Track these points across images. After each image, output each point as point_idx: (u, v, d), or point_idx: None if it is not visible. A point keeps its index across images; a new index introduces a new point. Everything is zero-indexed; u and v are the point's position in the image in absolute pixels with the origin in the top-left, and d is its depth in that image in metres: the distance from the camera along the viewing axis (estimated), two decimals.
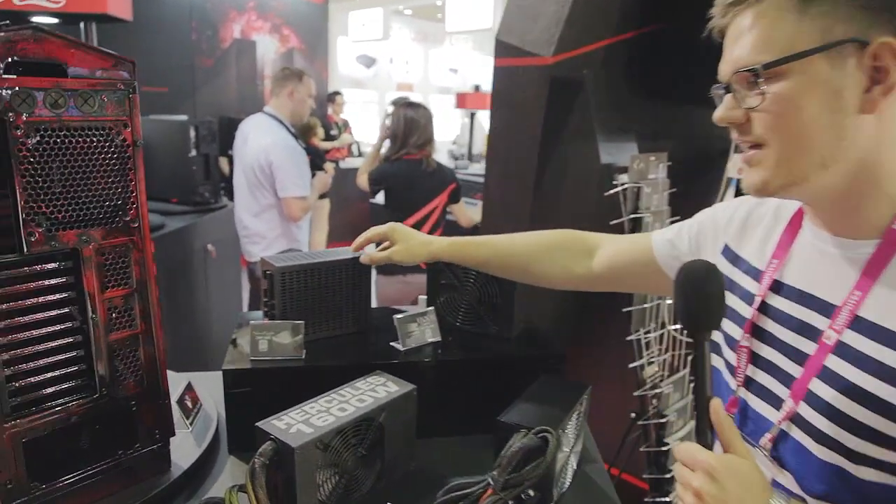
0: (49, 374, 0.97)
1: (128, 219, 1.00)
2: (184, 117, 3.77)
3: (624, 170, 2.04)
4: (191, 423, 1.30)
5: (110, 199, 0.98)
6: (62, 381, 0.99)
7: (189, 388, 1.36)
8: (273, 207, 3.24)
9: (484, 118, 11.66)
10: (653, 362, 2.13)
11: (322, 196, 4.65)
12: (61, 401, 0.99)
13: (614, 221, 1.99)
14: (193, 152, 3.54)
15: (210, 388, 1.48)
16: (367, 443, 1.14)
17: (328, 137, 7.46)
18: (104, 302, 1.00)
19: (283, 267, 1.34)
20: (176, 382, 1.32)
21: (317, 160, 5.85)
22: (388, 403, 1.16)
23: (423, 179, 3.10)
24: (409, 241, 1.35)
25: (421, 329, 1.43)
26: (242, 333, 1.44)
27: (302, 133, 6.06)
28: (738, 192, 2.84)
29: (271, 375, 1.28)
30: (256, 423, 1.05)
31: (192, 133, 3.55)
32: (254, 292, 3.60)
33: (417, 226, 3.11)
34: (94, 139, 0.94)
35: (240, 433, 1.29)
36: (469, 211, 3.51)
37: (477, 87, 8.64)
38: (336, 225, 6.80)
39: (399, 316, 1.40)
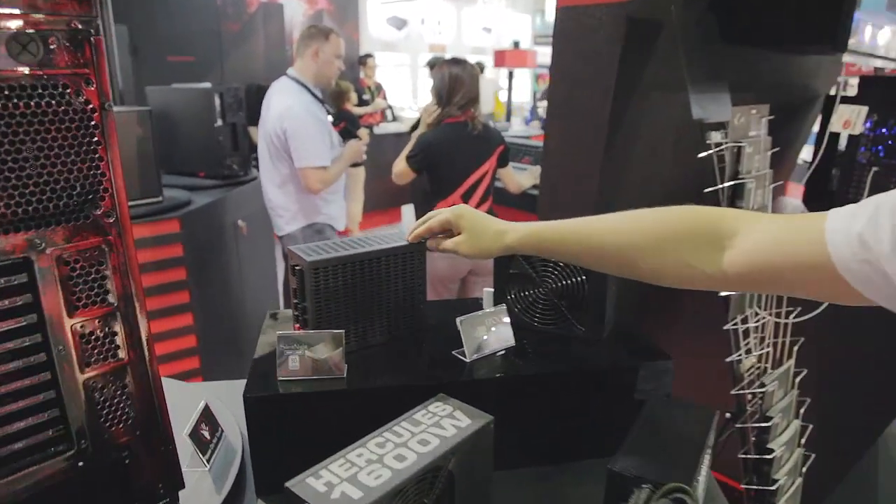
0: (8, 428, 0.71)
1: (99, 212, 0.72)
2: (207, 85, 3.51)
3: (716, 127, 1.69)
4: (209, 460, 1.04)
5: (71, 187, 0.70)
6: (26, 436, 0.73)
7: (205, 414, 1.10)
8: (294, 178, 2.97)
9: (523, 77, 11.16)
10: (751, 353, 1.81)
11: (356, 164, 4.36)
12: (28, 460, 0.73)
13: (709, 189, 1.65)
14: (219, 122, 3.27)
15: (237, 399, 1.23)
16: (434, 498, 0.86)
17: (361, 102, 7.14)
18: (74, 328, 0.73)
19: (317, 261, 1.06)
20: (185, 402, 1.06)
21: (350, 126, 5.55)
22: (459, 445, 0.88)
23: (469, 144, 2.77)
24: (480, 231, 1.03)
25: (491, 333, 1.14)
26: (270, 332, 1.17)
27: (334, 98, 5.76)
28: (817, 149, 2.45)
29: (305, 402, 1.01)
30: (286, 484, 0.77)
31: (217, 101, 3.28)
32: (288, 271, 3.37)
33: (466, 196, 2.80)
34: (42, 102, 0.66)
35: (269, 471, 1.03)
36: (518, 176, 3.19)
37: (516, 44, 8.17)
38: (372, 194, 6.53)
39: (463, 318, 1.11)
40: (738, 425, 1.81)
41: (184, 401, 1.26)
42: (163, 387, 0.82)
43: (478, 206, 2.83)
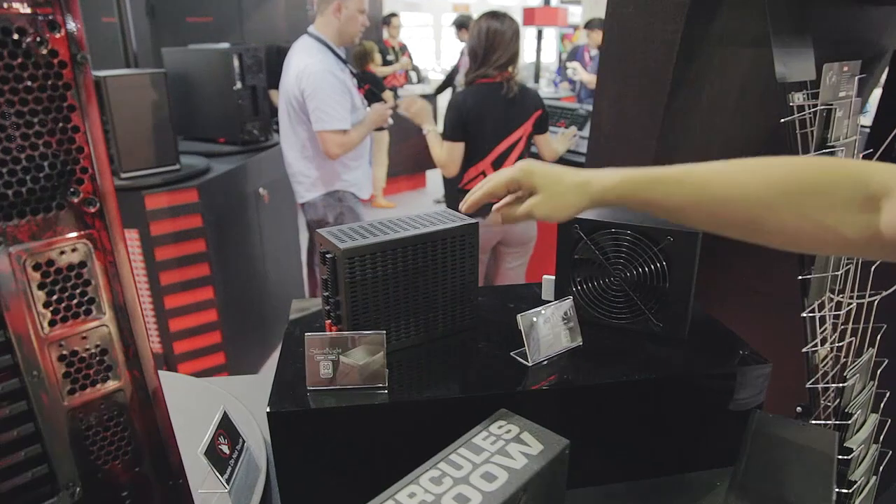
0: None
1: (77, 199, 0.56)
2: (226, 45, 3.31)
3: (798, 87, 1.47)
4: (228, 480, 0.89)
5: (37, 167, 0.53)
6: (4, 478, 0.58)
7: (224, 424, 0.95)
8: (313, 142, 2.79)
9: (548, 37, 10.75)
10: (826, 343, 1.61)
11: (380, 128, 4.16)
12: None
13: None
14: (238, 84, 3.09)
15: (262, 397, 1.09)
16: None
17: (385, 63, 6.89)
18: (51, 348, 0.57)
19: (352, 248, 0.89)
20: (202, 404, 0.91)
21: (375, 89, 5.32)
22: (532, 480, 0.71)
23: (504, 107, 2.55)
24: (558, 186, 0.82)
25: (555, 331, 0.97)
26: (296, 326, 1.01)
27: (357, 59, 5.53)
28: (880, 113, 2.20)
29: (340, 418, 0.85)
30: None
31: (236, 63, 3.09)
32: (312, 241, 3.21)
33: (497, 164, 2.59)
34: None
35: (298, 495, 0.88)
36: (553, 142, 2.96)
37: (547, 1, 7.79)
38: (396, 158, 6.33)
39: (524, 314, 0.94)
40: (812, 422, 1.63)
41: (200, 403, 1.12)
42: (168, 414, 0.66)
43: None
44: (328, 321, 0.96)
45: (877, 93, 2.05)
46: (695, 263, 0.98)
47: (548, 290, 1.12)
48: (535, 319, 0.94)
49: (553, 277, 1.10)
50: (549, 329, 0.96)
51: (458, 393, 0.88)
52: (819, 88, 1.52)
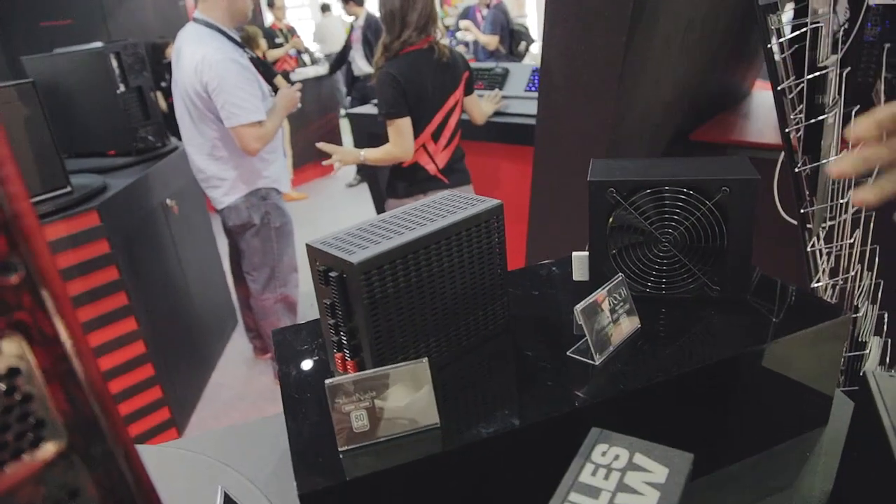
0: None
1: None
2: (98, 44, 2.89)
3: (773, 8, 1.35)
4: None
5: None
6: None
7: None
8: (225, 141, 2.48)
9: None
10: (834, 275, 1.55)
11: None
12: None
13: (782, 86, 1.33)
14: (122, 87, 2.71)
15: (248, 451, 0.87)
16: None
17: (274, 47, 6.46)
18: None
19: (368, 260, 0.67)
20: (177, 478, 0.69)
21: (265, 75, 4.93)
22: None
23: (439, 73, 2.33)
24: None
25: (614, 317, 0.80)
26: (290, 366, 0.79)
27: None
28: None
29: (389, 481, 0.64)
30: None
31: (115, 63, 2.70)
32: (233, 246, 2.90)
33: (437, 133, 2.38)
34: None
35: None
36: (482, 103, 2.78)
37: None
38: (300, 147, 5.98)
39: (583, 305, 0.76)
40: None
41: (180, 478, 0.88)
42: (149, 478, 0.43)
43: (449, 141, 2.43)
44: (338, 354, 0.75)
45: None
46: (753, 214, 0.83)
47: (580, 269, 0.95)
48: (593, 311, 0.77)
49: (585, 253, 0.93)
50: (606, 317, 0.79)
51: (529, 417, 0.69)
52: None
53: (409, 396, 0.67)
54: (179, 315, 2.84)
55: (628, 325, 0.82)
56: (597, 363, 0.76)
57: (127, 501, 0.40)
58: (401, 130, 2.25)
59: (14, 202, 0.32)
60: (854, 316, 1.53)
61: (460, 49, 7.20)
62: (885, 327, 1.65)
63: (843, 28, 1.48)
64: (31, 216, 0.33)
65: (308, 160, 6.31)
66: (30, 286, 0.34)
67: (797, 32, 1.31)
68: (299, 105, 2.77)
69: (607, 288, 0.80)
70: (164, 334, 2.58)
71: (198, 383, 2.92)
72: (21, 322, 0.34)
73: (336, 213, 5.41)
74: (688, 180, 0.83)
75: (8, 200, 0.32)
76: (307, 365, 0.83)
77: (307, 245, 0.73)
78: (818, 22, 1.31)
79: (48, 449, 0.36)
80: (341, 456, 0.65)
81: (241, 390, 2.92)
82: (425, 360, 0.66)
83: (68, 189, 2.13)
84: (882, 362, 1.71)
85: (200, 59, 2.32)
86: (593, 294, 0.78)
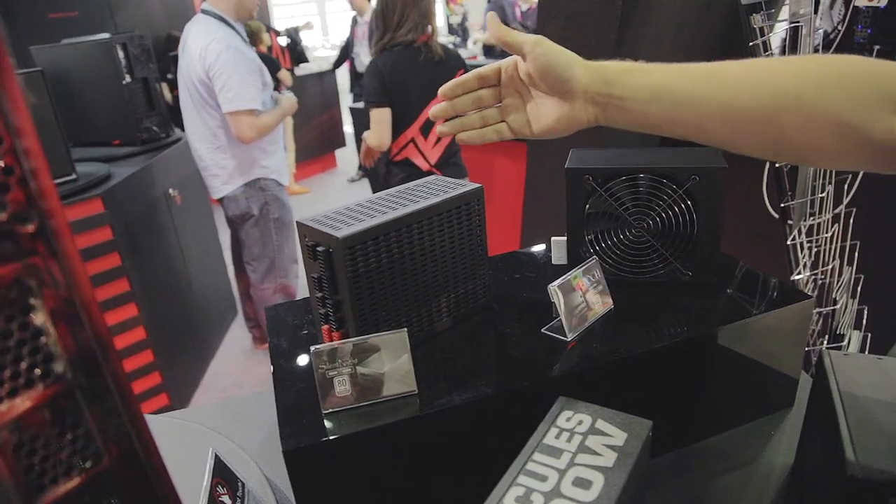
0: None
1: (3, 215, 0.37)
2: (105, 35, 2.94)
3: (756, 8, 1.39)
4: None
5: None
6: None
7: (217, 470, 0.77)
8: (225, 129, 2.53)
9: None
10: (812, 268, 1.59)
11: None
12: None
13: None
14: (127, 78, 2.76)
15: (238, 422, 0.92)
16: None
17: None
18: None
19: (352, 235, 0.72)
20: (173, 444, 0.73)
21: (270, 70, 4.98)
22: (630, 476, 0.59)
23: (427, 70, 2.38)
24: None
25: (588, 297, 0.85)
26: (282, 339, 0.84)
27: None
28: None
29: (373, 439, 0.69)
30: None
31: (121, 54, 2.75)
32: (234, 236, 2.95)
33: (426, 130, 2.42)
34: None
35: None
36: None
37: None
38: (303, 142, 6.03)
39: (557, 283, 0.81)
40: (806, 349, 1.61)
41: (171, 443, 0.93)
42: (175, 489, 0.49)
43: (438, 140, 2.48)
44: (325, 326, 0.80)
45: None
46: (723, 202, 0.88)
47: (559, 253, 0.99)
48: (569, 289, 0.82)
49: (563, 238, 0.98)
50: (580, 296, 0.84)
51: (501, 386, 0.74)
52: (773, 10, 1.46)
53: (388, 364, 0.71)
54: (180, 303, 2.89)
55: (601, 305, 0.87)
56: (569, 338, 0.81)
57: (122, 434, 0.45)
58: (378, 119, 2.35)
59: (31, 159, 0.37)
60: (833, 308, 1.57)
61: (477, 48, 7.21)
62: (865, 321, 1.70)
63: (837, 29, 1.53)
64: (45, 173, 0.38)
65: (311, 155, 6.36)
66: (43, 235, 0.39)
67: (777, 31, 1.36)
68: (295, 105, 2.83)
69: (582, 268, 0.85)
70: (164, 321, 2.64)
71: (196, 371, 2.97)
72: (34, 266, 0.38)
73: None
74: (660, 168, 0.88)
75: (26, 157, 0.37)
76: (297, 337, 0.88)
77: (297, 222, 0.78)
78: (798, 22, 1.36)
79: (55, 380, 0.41)
80: (323, 416, 0.70)
81: (239, 378, 2.97)
82: (404, 330, 0.71)
83: (73, 176, 2.19)
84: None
85: (205, 46, 2.38)
86: (568, 274, 0.83)
